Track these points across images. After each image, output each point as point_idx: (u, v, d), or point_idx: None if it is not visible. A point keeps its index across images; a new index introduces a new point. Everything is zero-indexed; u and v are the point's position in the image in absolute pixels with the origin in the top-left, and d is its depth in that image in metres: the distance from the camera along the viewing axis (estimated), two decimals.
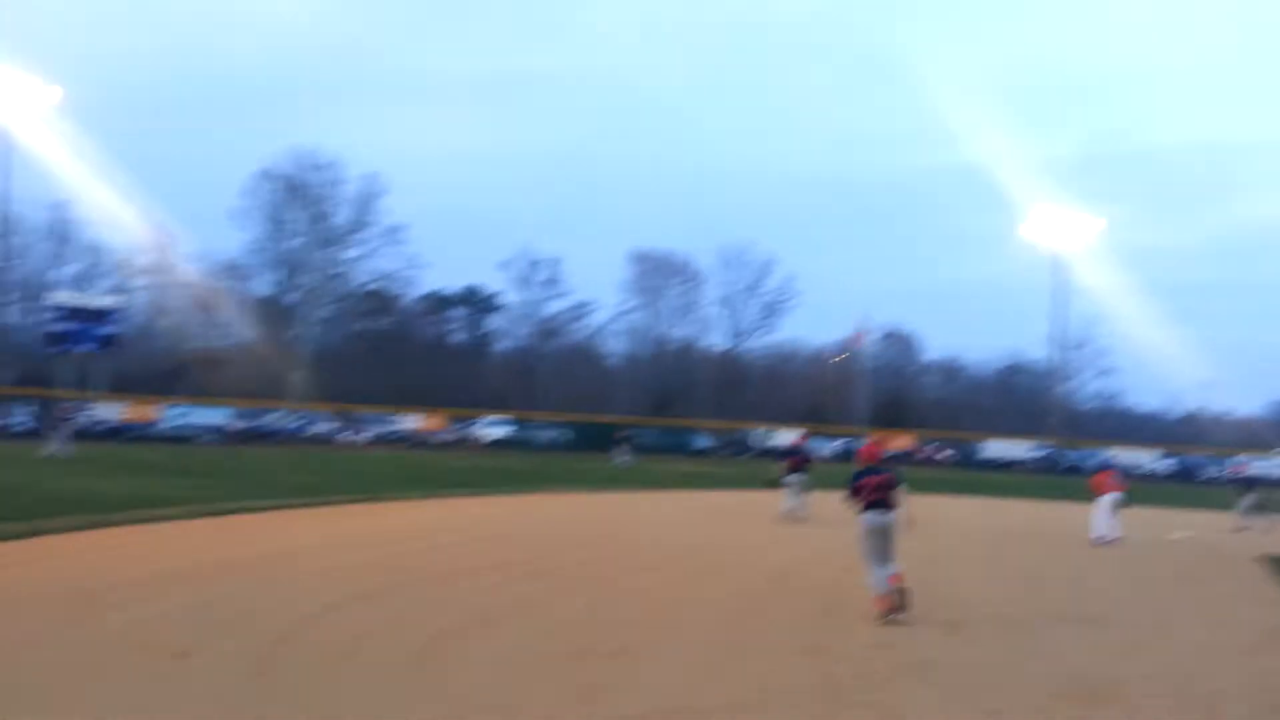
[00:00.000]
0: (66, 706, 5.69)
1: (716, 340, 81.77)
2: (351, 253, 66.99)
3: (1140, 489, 27.54)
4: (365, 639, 7.56)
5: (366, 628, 7.94)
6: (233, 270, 66.58)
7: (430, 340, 77.95)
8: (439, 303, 78.65)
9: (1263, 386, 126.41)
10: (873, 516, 9.06)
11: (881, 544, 8.97)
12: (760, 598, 10.13)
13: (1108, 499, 16.83)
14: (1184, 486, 48.92)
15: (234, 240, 77.75)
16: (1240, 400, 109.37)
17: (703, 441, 59.71)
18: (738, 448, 59.91)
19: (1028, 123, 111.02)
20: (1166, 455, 57.63)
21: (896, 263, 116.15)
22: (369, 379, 65.78)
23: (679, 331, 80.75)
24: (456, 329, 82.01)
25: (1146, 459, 55.97)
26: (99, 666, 6.52)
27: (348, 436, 50.62)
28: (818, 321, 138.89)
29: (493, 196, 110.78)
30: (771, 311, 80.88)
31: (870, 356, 77.30)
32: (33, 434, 42.47)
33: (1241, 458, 38.73)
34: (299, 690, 6.12)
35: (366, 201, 65.94)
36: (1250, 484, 23.05)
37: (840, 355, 77.52)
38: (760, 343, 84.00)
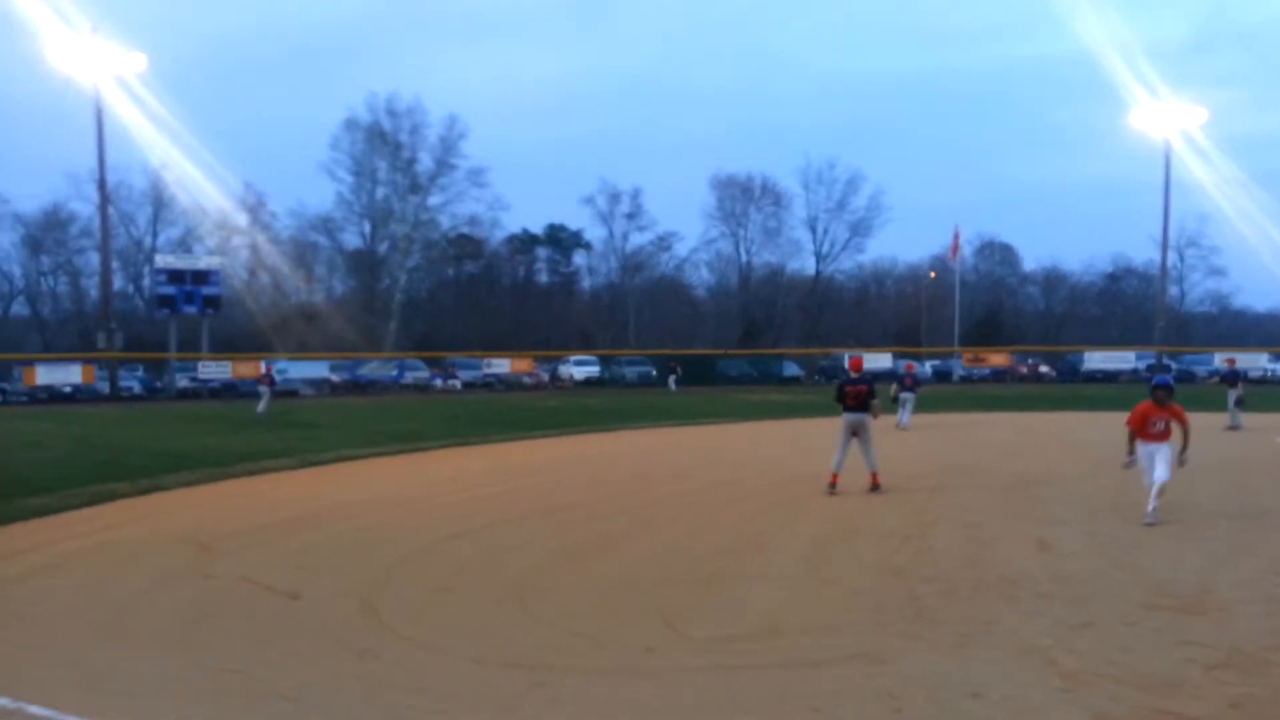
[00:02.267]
0: (193, 644, 6.15)
1: (804, 264, 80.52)
2: (436, 199, 67.78)
3: (1255, 393, 26.51)
4: (461, 575, 7.92)
5: (462, 564, 8.31)
6: (324, 224, 68.25)
7: (517, 282, 78.92)
8: (524, 244, 79.33)
9: None
10: (850, 416, 11.88)
11: (853, 437, 11.86)
12: (849, 523, 10.17)
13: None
14: None
15: (324, 193, 79.66)
16: None
17: (791, 369, 59.29)
18: (828, 374, 59.42)
19: (1130, 4, 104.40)
20: (1278, 358, 54.85)
21: (990, 169, 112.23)
22: (459, 325, 67.26)
23: (765, 257, 79.67)
24: (542, 269, 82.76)
25: (1263, 361, 53.38)
26: (219, 608, 7.01)
27: (440, 383, 51.91)
28: (909, 237, 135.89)
29: (570, 131, 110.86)
30: (860, 230, 78.78)
31: (965, 271, 75.21)
32: (141, 397, 44.88)
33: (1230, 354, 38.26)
34: (403, 624, 6.47)
35: (448, 145, 66.40)
36: (1235, 379, 22.93)
37: (933, 272, 75.65)
38: (849, 264, 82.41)
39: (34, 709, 4.92)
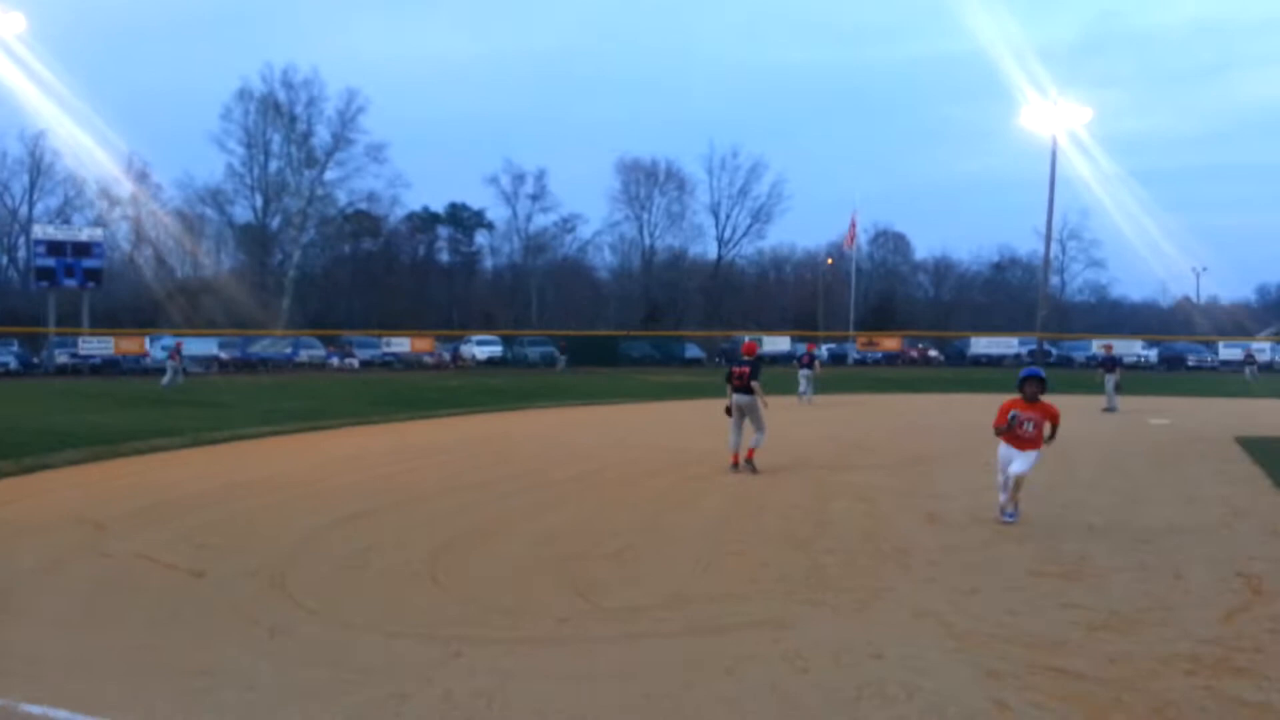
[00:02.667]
0: (96, 623, 5.99)
1: (706, 248, 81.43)
2: (333, 174, 66.03)
3: (1129, 378, 28.12)
4: (372, 552, 7.88)
5: (372, 541, 8.26)
6: (213, 196, 65.76)
7: (417, 261, 77.54)
8: (425, 222, 77.97)
9: (1250, 271, 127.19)
10: (736, 396, 12.36)
11: (742, 417, 12.37)
12: (753, 499, 10.46)
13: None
14: (1171, 374, 49.68)
15: (214, 165, 76.66)
16: (1228, 287, 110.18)
17: (693, 351, 60.02)
18: (729, 356, 60.35)
19: (1024, 5, 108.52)
20: (1151, 345, 58.20)
21: (886, 162, 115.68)
22: (356, 303, 65.81)
23: (668, 241, 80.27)
24: (444, 248, 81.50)
25: (1137, 349, 56.53)
26: (119, 587, 6.82)
27: (337, 362, 50.78)
28: (808, 225, 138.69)
29: (474, 109, 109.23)
30: (761, 217, 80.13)
31: (861, 258, 77.28)
32: (17, 373, 42.62)
33: (1107, 340, 41.66)
34: (314, 600, 6.42)
35: (347, 119, 64.73)
36: (1113, 364, 24.58)
37: (830, 259, 77.44)
38: (750, 249, 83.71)
39: None
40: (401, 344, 53.50)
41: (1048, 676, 4.93)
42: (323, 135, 65.04)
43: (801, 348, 38.25)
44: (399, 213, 73.20)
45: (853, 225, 66.35)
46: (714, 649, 5.40)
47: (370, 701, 4.60)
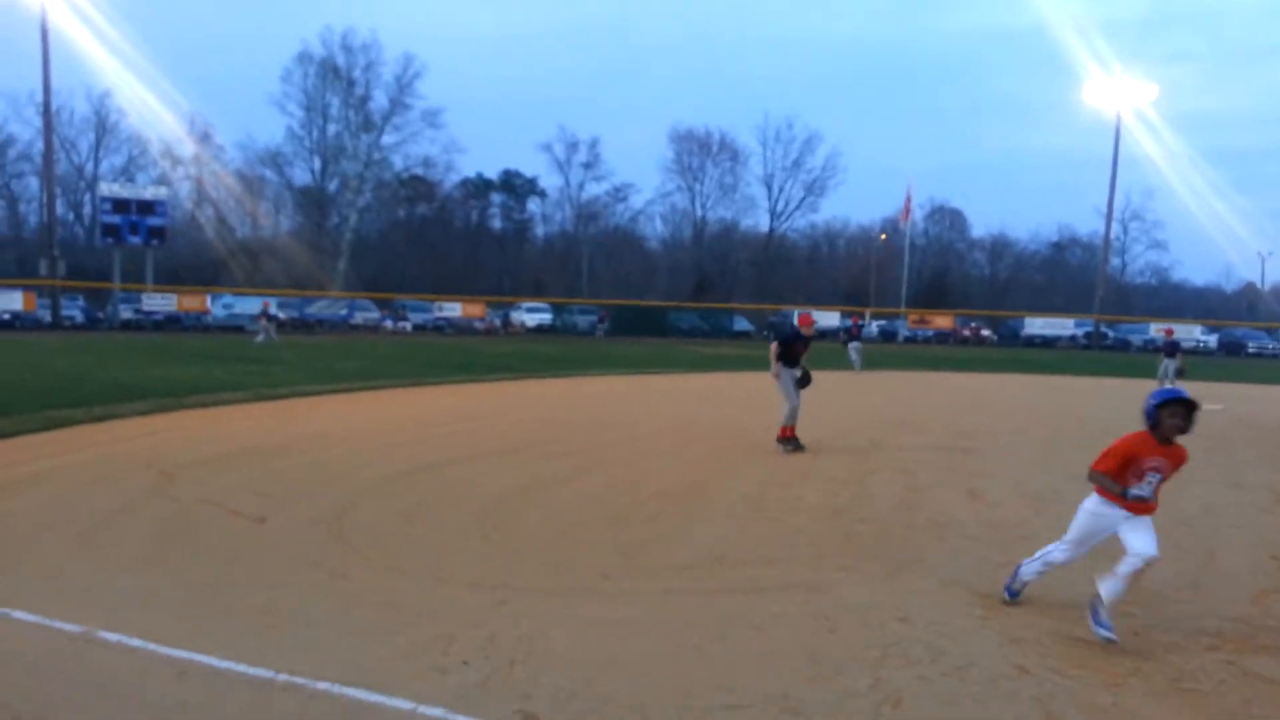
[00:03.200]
0: (165, 561, 6.40)
1: (758, 221, 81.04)
2: (390, 138, 66.80)
3: (1190, 363, 27.66)
4: (424, 507, 8.22)
5: (424, 497, 8.61)
6: (273, 158, 66.96)
7: (470, 227, 78.31)
8: (478, 188, 78.63)
9: None
10: (792, 369, 11.99)
11: (796, 388, 11.87)
12: (794, 469, 10.64)
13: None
14: (1230, 360, 48.58)
15: (274, 128, 77.94)
16: None
17: (742, 324, 59.96)
18: (776, 330, 60.20)
19: None
20: (1211, 330, 56.85)
21: (944, 136, 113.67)
22: (410, 267, 66.69)
23: (720, 213, 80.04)
24: (496, 215, 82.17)
25: (1196, 333, 55.33)
26: (186, 529, 7.24)
27: (391, 325, 51.65)
28: (862, 199, 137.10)
29: (529, 77, 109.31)
30: (814, 190, 79.53)
31: (916, 234, 76.36)
32: (82, 327, 44.06)
33: (1168, 325, 40.43)
34: (373, 548, 6.77)
35: (404, 84, 65.40)
36: (1174, 350, 24.54)
37: (884, 234, 76.62)
38: (803, 222, 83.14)
39: (20, 614, 5.16)
40: (453, 309, 54.22)
41: (1070, 645, 5.09)
42: (380, 100, 65.87)
43: (849, 321, 38.38)
44: (453, 179, 74.05)
45: (908, 200, 65.65)
46: (746, 607, 5.63)
47: (419, 640, 4.91)
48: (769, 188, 79.61)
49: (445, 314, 53.76)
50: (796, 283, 74.63)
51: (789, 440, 11.74)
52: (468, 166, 78.81)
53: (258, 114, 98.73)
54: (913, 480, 9.98)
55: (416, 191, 72.49)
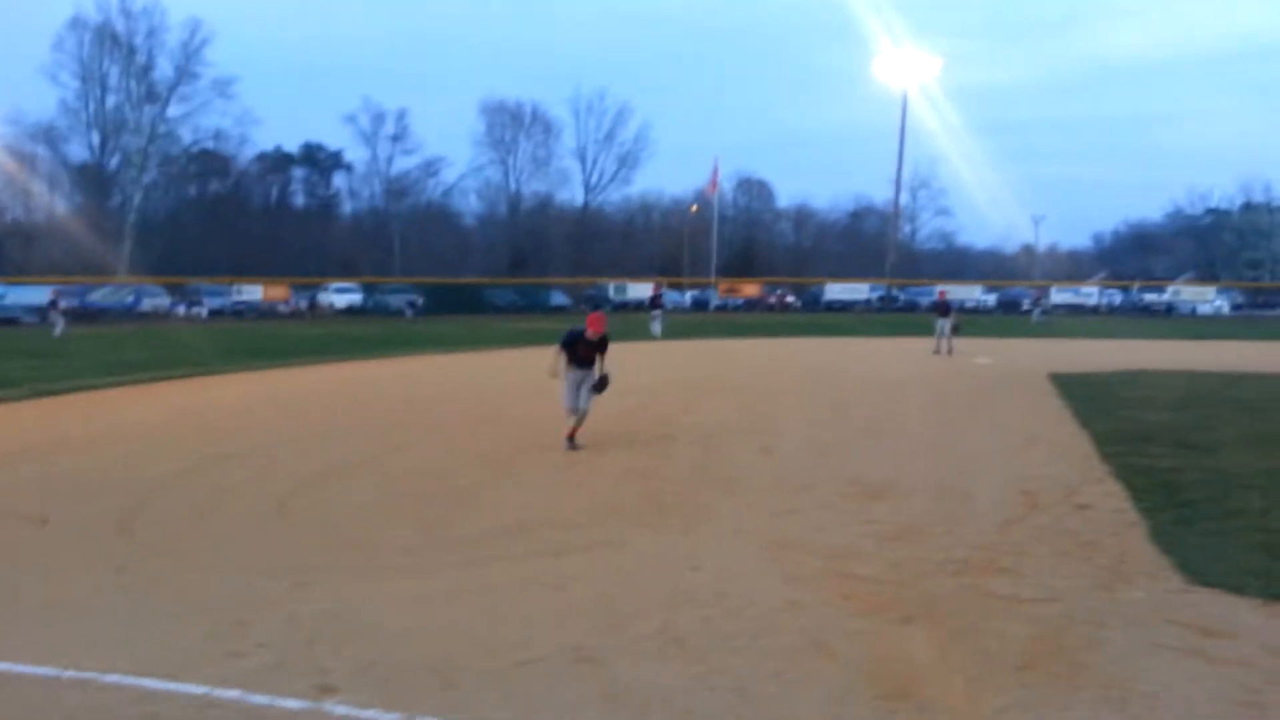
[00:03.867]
0: None
1: (573, 194, 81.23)
2: (176, 110, 62.58)
3: (969, 321, 30.08)
4: (225, 494, 8.00)
5: (225, 485, 8.37)
6: (45, 133, 61.32)
7: (270, 204, 74.55)
8: (278, 162, 74.83)
9: (1087, 220, 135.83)
10: (583, 371, 9.94)
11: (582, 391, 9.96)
12: (599, 436, 10.97)
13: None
14: (1008, 318, 52.97)
15: (46, 100, 71.34)
16: (1067, 234, 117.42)
17: (559, 298, 60.18)
18: (594, 303, 60.81)
19: None
20: (990, 290, 61.77)
21: (750, 109, 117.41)
22: (204, 248, 62.86)
23: (535, 186, 79.64)
24: (299, 191, 78.57)
25: (976, 293, 59.92)
26: None
27: (184, 311, 48.66)
28: (675, 171, 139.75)
29: (330, 44, 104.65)
30: (627, 162, 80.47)
31: (725, 205, 78.75)
32: None
33: (942, 286, 42.88)
34: (165, 542, 6.57)
35: (190, 52, 61.27)
36: (947, 309, 25.67)
37: (695, 206, 78.55)
38: (617, 195, 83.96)
39: None
40: (253, 292, 51.65)
41: (838, 579, 5.61)
42: (164, 68, 61.61)
43: (664, 294, 39.77)
44: (249, 152, 70.14)
45: (715, 172, 67.56)
46: (547, 569, 5.87)
47: (213, 628, 4.86)
48: (583, 161, 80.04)
49: (245, 298, 51.15)
50: (612, 256, 75.40)
51: (571, 440, 10.04)
52: (265, 139, 74.87)
53: (27, 85, 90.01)
54: (713, 442, 10.53)
55: (208, 167, 68.28)
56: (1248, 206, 72.94)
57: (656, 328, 31.86)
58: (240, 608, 5.16)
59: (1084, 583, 5.54)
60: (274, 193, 75.92)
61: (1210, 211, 74.96)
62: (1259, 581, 5.42)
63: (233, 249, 61.79)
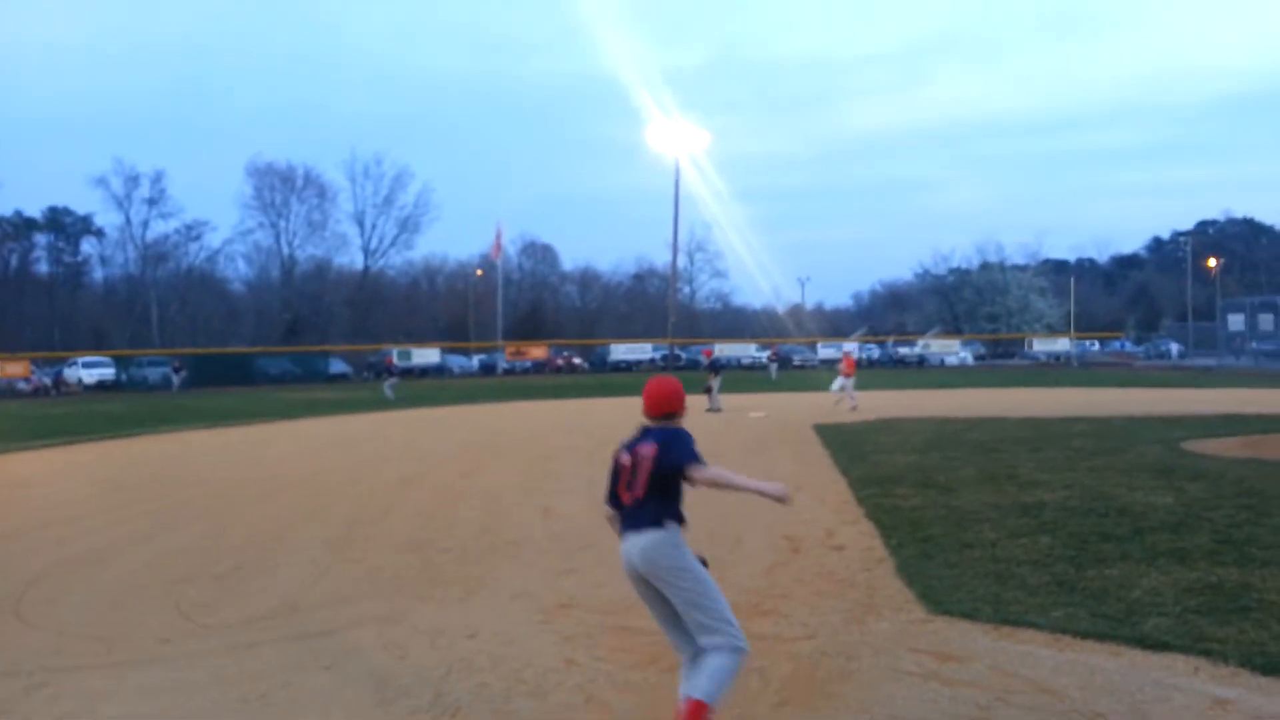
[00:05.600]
0: None
1: (353, 258, 79.06)
2: None
3: (742, 377, 31.54)
4: None
5: None
6: None
7: (9, 273, 67.97)
8: (18, 228, 68.57)
9: (849, 279, 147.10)
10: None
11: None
12: (379, 505, 10.68)
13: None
14: (781, 373, 55.93)
15: None
16: (832, 293, 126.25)
17: (338, 366, 58.08)
18: (376, 370, 59.09)
19: (654, 33, 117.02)
20: (764, 347, 65.15)
21: (533, 174, 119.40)
22: None
23: (310, 250, 76.93)
24: (42, 258, 72.16)
25: (751, 350, 62.97)
26: None
27: None
28: (460, 235, 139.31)
29: (77, 102, 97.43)
30: (408, 227, 79.37)
31: (511, 269, 79.06)
32: None
33: (712, 345, 46.01)
34: None
35: None
36: (716, 367, 26.87)
37: (480, 270, 78.32)
38: (399, 259, 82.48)
39: None
40: None
41: (614, 635, 5.74)
42: None
43: (451, 358, 39.48)
44: None
45: (498, 236, 67.87)
46: (318, 649, 5.65)
47: None
48: (361, 225, 78.21)
49: None
50: (395, 321, 73.79)
51: None
52: (4, 204, 68.45)
53: None
54: (495, 505, 10.50)
55: None
56: (984, 265, 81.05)
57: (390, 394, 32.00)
58: None
59: (838, 618, 5.94)
60: (13, 260, 69.28)
61: (953, 271, 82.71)
62: (989, 608, 5.99)
63: None
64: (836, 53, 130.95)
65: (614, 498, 4.27)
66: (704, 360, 29.80)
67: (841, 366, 25.85)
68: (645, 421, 4.29)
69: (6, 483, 14.08)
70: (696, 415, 23.18)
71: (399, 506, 10.58)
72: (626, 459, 4.18)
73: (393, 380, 35.95)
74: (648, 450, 4.08)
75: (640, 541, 4.03)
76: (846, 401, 24.06)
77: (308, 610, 6.53)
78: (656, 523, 4.03)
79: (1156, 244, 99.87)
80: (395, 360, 44.83)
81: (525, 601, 6.51)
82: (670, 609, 4.11)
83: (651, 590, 4.15)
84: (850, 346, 48.67)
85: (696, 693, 3.89)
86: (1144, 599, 6.00)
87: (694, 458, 3.99)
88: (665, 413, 4.26)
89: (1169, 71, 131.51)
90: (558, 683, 4.94)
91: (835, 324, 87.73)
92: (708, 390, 25.03)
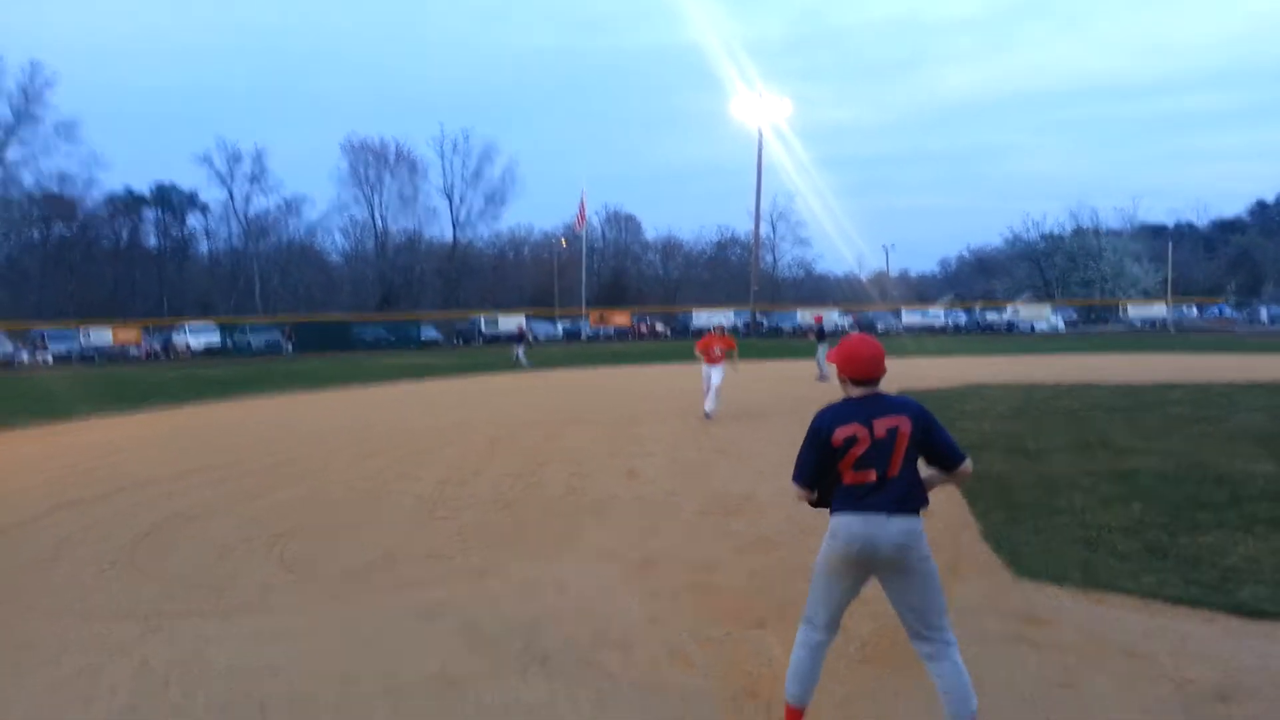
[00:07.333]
0: None
1: (442, 230, 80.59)
2: (16, 153, 59.26)
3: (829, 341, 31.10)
4: (67, 544, 7.66)
5: (68, 535, 8.00)
6: None
7: (120, 246, 71.11)
8: (128, 204, 71.62)
9: (935, 246, 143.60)
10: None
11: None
12: (469, 468, 10.98)
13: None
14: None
15: None
16: (916, 261, 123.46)
17: (429, 333, 59.40)
18: (465, 337, 60.28)
19: (737, 3, 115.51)
20: (846, 313, 64.27)
21: (616, 146, 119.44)
22: (49, 293, 59.57)
23: (403, 223, 78.70)
24: (151, 232, 75.30)
25: (834, 317, 62.20)
26: None
27: (27, 357, 45.81)
28: (546, 206, 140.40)
29: (181, 84, 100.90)
30: (495, 200, 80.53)
31: (595, 238, 79.54)
32: None
33: (820, 311, 42.27)
34: (6, 591, 6.26)
35: (31, 95, 58.31)
36: (823, 334, 24.90)
37: (564, 239, 78.94)
38: (486, 230, 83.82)
39: None
40: (103, 335, 49.09)
41: (697, 591, 5.84)
42: (2, 111, 58.26)
43: (537, 325, 40.10)
44: (96, 195, 66.88)
45: (582, 206, 68.24)
46: (412, 599, 5.89)
47: (61, 676, 4.71)
48: (450, 198, 79.57)
49: (93, 341, 48.54)
50: (483, 290, 75.07)
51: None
52: (114, 181, 71.65)
53: None
54: (580, 468, 10.68)
55: (53, 210, 64.68)
56: (1078, 231, 78.16)
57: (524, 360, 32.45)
58: (91, 654, 5.01)
59: None
60: (124, 235, 72.49)
61: (1044, 236, 79.94)
62: (1078, 573, 5.91)
63: (80, 292, 58.80)
64: (921, 17, 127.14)
65: (823, 477, 3.78)
66: (813, 326, 28.06)
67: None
68: (850, 388, 3.85)
69: (119, 443, 14.87)
70: (784, 381, 23.09)
71: (489, 467, 10.86)
72: (861, 431, 3.66)
73: (523, 346, 36.44)
74: (898, 423, 3.64)
75: (901, 525, 3.59)
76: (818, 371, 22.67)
77: (403, 563, 6.80)
78: (915, 508, 3.64)
79: (1260, 207, 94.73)
80: (526, 327, 45.95)
81: (610, 559, 6.67)
82: (851, 596, 3.83)
83: (858, 576, 3.75)
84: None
85: (970, 715, 3.58)
86: (1240, 566, 5.85)
87: (963, 452, 3.74)
88: (878, 375, 3.81)
89: (1264, 29, 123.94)
90: (642, 636, 5.07)
91: (920, 291, 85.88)
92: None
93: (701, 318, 63.19)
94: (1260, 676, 4.31)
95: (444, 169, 78.98)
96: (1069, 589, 5.67)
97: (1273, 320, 58.95)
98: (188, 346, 50.73)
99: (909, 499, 3.62)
